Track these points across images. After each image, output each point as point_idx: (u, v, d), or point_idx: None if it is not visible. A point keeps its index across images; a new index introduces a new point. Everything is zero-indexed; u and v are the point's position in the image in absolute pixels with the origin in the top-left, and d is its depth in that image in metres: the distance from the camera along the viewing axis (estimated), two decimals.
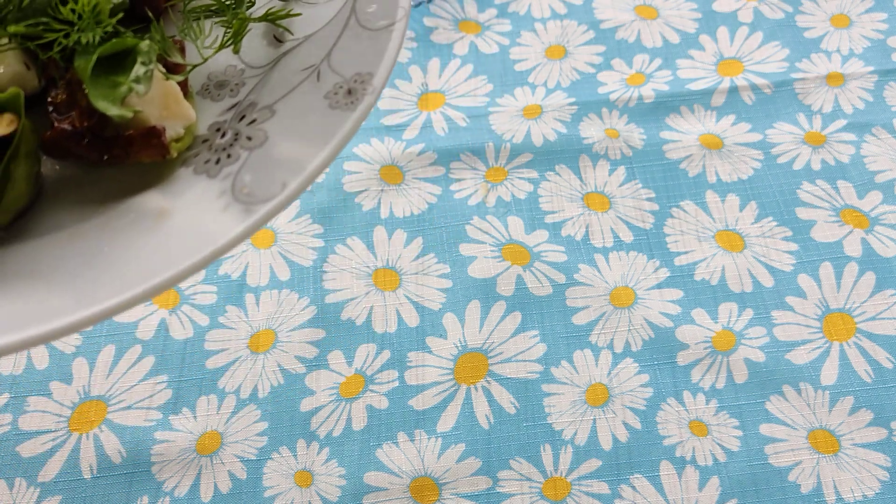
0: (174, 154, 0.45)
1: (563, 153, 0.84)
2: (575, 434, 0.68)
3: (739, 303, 0.73)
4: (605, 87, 0.88)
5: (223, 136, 0.46)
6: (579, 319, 0.74)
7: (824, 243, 0.76)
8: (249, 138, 0.45)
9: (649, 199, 0.80)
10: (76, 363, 0.73)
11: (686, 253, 0.77)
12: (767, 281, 0.74)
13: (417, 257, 0.78)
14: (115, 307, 0.39)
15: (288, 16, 0.50)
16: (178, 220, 0.42)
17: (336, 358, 0.73)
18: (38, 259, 0.43)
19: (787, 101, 0.85)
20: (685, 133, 0.84)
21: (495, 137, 0.85)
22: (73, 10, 0.44)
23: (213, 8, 0.51)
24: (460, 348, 0.73)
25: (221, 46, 0.48)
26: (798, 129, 0.84)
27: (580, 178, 0.82)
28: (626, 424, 0.68)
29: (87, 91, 0.42)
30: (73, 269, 0.42)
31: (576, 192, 0.81)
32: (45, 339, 0.39)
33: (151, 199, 0.44)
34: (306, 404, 0.71)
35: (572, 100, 0.88)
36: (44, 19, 0.45)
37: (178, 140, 0.45)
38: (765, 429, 0.67)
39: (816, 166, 0.81)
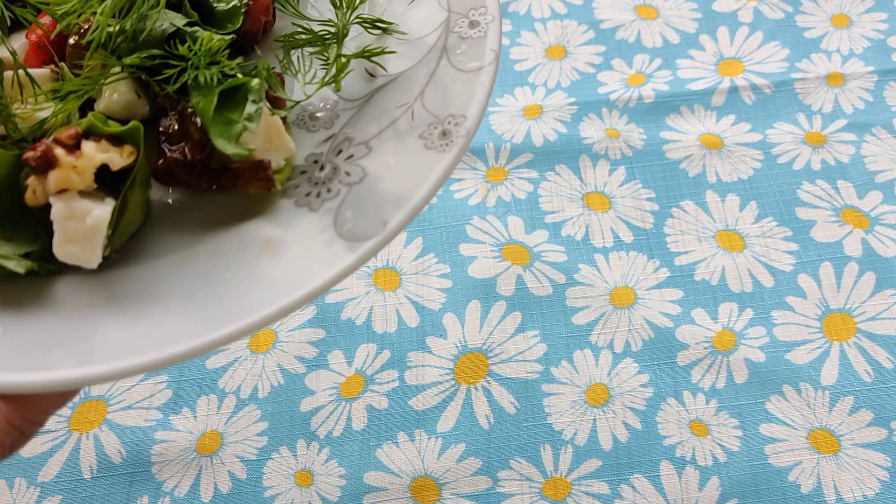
0: (279, 187, 0.46)
1: (563, 153, 0.84)
2: (575, 434, 0.68)
3: (739, 303, 0.73)
4: (605, 87, 0.88)
5: (321, 169, 0.47)
6: (579, 319, 0.74)
7: (824, 243, 0.76)
8: (348, 174, 0.46)
9: (649, 199, 0.80)
10: None
11: (686, 253, 0.77)
12: (767, 281, 0.74)
13: (417, 257, 0.78)
14: (230, 335, 0.40)
15: (383, 53, 0.50)
16: (285, 252, 0.43)
17: (336, 358, 0.73)
18: (151, 282, 0.44)
19: (787, 101, 0.85)
20: (685, 133, 0.84)
21: (495, 137, 0.85)
22: (189, 49, 0.45)
23: (310, 41, 0.52)
24: (460, 348, 0.73)
25: (323, 84, 0.49)
26: (798, 128, 0.84)
27: (580, 178, 0.82)
28: (626, 424, 0.68)
29: (208, 131, 0.43)
30: (187, 295, 0.43)
31: (576, 192, 0.81)
32: (164, 365, 0.40)
33: (258, 229, 0.45)
34: (306, 404, 0.71)
35: (572, 100, 0.88)
36: (157, 52, 0.47)
37: (278, 171, 0.47)
38: (765, 429, 0.67)
39: (816, 166, 0.81)
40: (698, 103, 0.86)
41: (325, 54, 0.51)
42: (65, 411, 0.71)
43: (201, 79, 0.44)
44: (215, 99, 0.43)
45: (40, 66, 0.50)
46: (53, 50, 0.51)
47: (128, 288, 0.44)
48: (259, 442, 0.70)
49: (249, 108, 0.44)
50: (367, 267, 0.78)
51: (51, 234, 0.44)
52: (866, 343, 0.71)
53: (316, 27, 0.53)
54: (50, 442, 0.70)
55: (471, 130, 0.46)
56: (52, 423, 0.71)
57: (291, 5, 0.54)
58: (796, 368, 0.70)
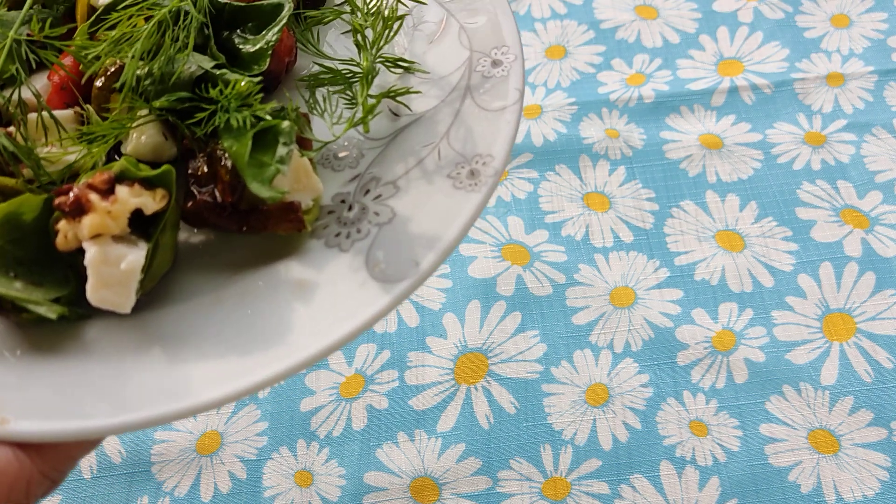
0: (309, 228, 0.46)
1: (563, 153, 0.84)
2: (575, 434, 0.68)
3: (739, 303, 0.73)
4: (605, 87, 0.88)
5: (350, 209, 0.47)
6: (579, 319, 0.74)
7: (824, 243, 0.76)
8: (377, 214, 0.46)
9: (649, 199, 0.80)
10: None
11: (686, 253, 0.77)
12: (767, 281, 0.74)
13: None
14: (266, 380, 0.40)
15: (408, 92, 0.50)
16: (318, 294, 0.43)
17: (336, 357, 0.73)
18: (183, 326, 0.44)
19: (787, 100, 0.85)
20: (685, 133, 0.84)
21: None
22: (220, 92, 0.45)
23: (335, 81, 0.51)
24: (460, 348, 0.73)
25: (351, 125, 0.49)
26: (798, 128, 0.84)
27: (580, 178, 0.82)
28: (626, 424, 0.68)
29: (243, 175, 0.43)
30: (220, 339, 0.43)
31: (576, 192, 0.81)
32: (200, 410, 0.40)
33: (288, 270, 0.45)
34: (306, 404, 0.71)
35: (572, 100, 0.88)
36: (185, 95, 0.47)
37: (307, 212, 0.46)
38: (765, 429, 0.67)
39: (816, 166, 0.81)
40: (698, 103, 0.86)
41: (349, 92, 0.51)
42: None
43: (233, 122, 0.44)
44: (249, 143, 0.43)
45: (63, 108, 0.50)
46: (76, 90, 0.50)
47: (160, 331, 0.44)
48: (259, 442, 0.70)
49: (281, 150, 0.44)
50: None
51: (80, 277, 0.44)
52: (866, 343, 0.71)
53: (337, 66, 0.52)
54: None
55: (499, 170, 0.46)
56: None
57: (312, 44, 0.54)
58: (796, 368, 0.70)
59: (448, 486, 0.67)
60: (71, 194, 0.42)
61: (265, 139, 0.44)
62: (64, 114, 0.49)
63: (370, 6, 0.53)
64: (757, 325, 0.72)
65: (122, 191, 0.42)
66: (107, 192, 0.42)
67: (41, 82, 0.50)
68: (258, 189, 0.42)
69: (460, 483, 0.67)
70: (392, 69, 0.52)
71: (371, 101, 0.49)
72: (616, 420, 0.69)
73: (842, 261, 0.75)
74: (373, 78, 0.50)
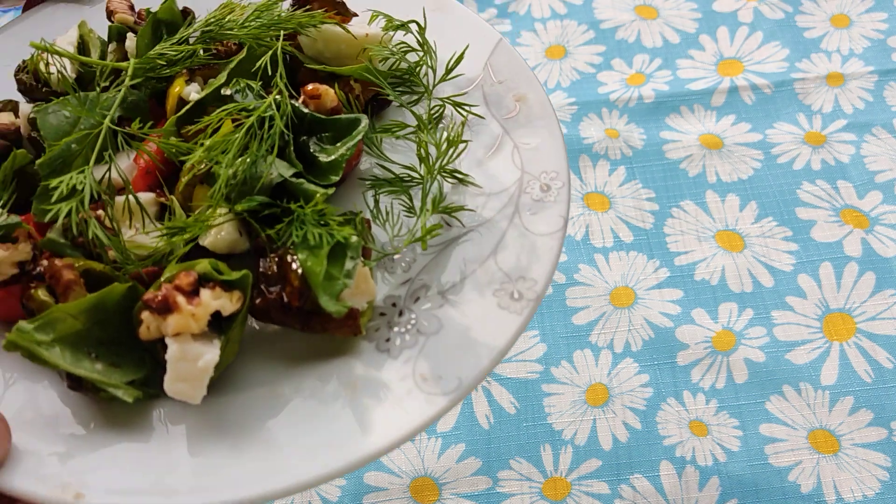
0: (363, 333, 0.49)
1: None
2: (575, 434, 0.68)
3: (739, 303, 0.73)
4: (605, 87, 0.88)
5: (400, 314, 0.50)
6: (579, 319, 0.74)
7: (824, 243, 0.76)
8: (425, 323, 0.49)
9: (649, 199, 0.80)
10: None
11: (686, 253, 0.77)
12: (767, 281, 0.74)
13: None
14: (320, 477, 0.44)
15: (461, 209, 0.53)
16: (368, 399, 0.46)
17: None
18: (245, 415, 0.47)
19: (787, 100, 0.85)
20: (685, 133, 0.84)
21: None
22: (301, 206, 0.48)
23: (396, 189, 0.54)
24: None
25: (411, 241, 0.52)
26: (798, 128, 0.84)
27: (580, 178, 0.82)
28: (626, 424, 0.68)
29: (315, 292, 0.45)
30: (279, 431, 0.46)
31: (576, 192, 0.81)
32: (256, 500, 0.43)
33: (341, 370, 0.48)
34: None
35: (572, 99, 0.88)
36: (265, 200, 0.50)
37: (362, 313, 0.49)
38: (765, 429, 0.67)
39: (816, 166, 0.81)
40: (698, 103, 0.86)
41: (407, 199, 0.54)
42: None
43: (310, 238, 0.47)
44: (325, 262, 0.46)
45: (147, 190, 0.54)
46: (160, 175, 0.54)
47: (224, 418, 0.47)
48: None
49: (348, 264, 0.47)
50: None
51: (155, 360, 0.48)
52: (866, 343, 0.71)
53: (397, 169, 0.55)
54: None
55: (540, 295, 0.49)
56: None
57: (376, 146, 0.57)
58: (796, 368, 0.70)
59: (448, 486, 0.67)
60: (160, 294, 0.45)
61: (334, 251, 0.47)
62: (147, 197, 0.52)
63: (434, 122, 0.56)
64: (757, 325, 0.72)
65: (205, 294, 0.46)
66: (191, 293, 0.45)
67: (125, 162, 0.53)
68: (326, 303, 0.45)
69: (460, 483, 0.67)
70: (448, 179, 0.55)
71: (430, 220, 0.53)
72: (616, 420, 0.69)
73: (842, 261, 0.75)
74: (435, 201, 0.53)
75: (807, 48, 0.89)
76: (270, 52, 0.54)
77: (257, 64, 0.54)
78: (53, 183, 0.49)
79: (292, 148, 0.52)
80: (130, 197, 0.50)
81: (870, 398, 0.68)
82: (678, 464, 0.66)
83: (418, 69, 0.59)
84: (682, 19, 0.93)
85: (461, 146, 0.55)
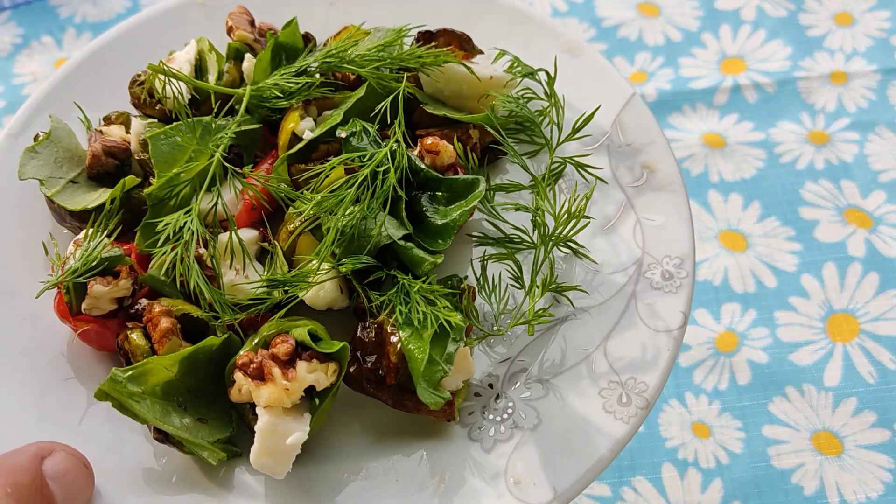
0: (457, 419, 0.46)
1: None
2: None
3: (742, 303, 0.73)
4: None
5: (496, 398, 0.47)
6: None
7: (827, 243, 0.76)
8: (523, 416, 0.46)
9: None
10: None
11: None
12: (770, 281, 0.74)
13: None
14: None
15: (574, 289, 0.49)
16: (455, 498, 0.44)
17: None
18: (332, 488, 0.45)
19: (790, 99, 0.85)
20: (687, 132, 0.84)
21: None
22: (408, 281, 0.46)
23: (505, 256, 0.51)
24: None
25: (516, 324, 0.48)
26: (801, 127, 0.83)
27: None
28: None
29: (414, 379, 0.43)
30: None
31: None
32: None
33: (429, 456, 0.45)
34: None
35: None
36: (372, 263, 0.48)
37: (457, 392, 0.46)
38: (767, 430, 0.67)
39: (820, 165, 0.80)
40: (701, 102, 0.86)
41: (515, 262, 0.50)
42: None
43: (414, 318, 0.44)
44: (428, 350, 0.43)
45: (249, 226, 0.52)
46: (263, 213, 0.53)
47: (308, 489, 0.45)
48: None
49: (451, 346, 0.44)
50: None
51: (241, 419, 0.46)
52: (870, 344, 0.70)
53: (508, 228, 0.52)
54: None
55: (650, 402, 0.45)
56: None
57: (489, 202, 0.53)
58: (799, 369, 0.69)
59: None
60: (255, 361, 0.44)
61: (437, 331, 0.44)
62: (250, 236, 0.51)
63: (553, 181, 0.52)
64: (760, 325, 0.72)
65: (301, 367, 0.44)
66: (287, 363, 0.44)
67: (229, 194, 0.51)
68: (423, 394, 0.43)
69: None
70: (562, 248, 0.51)
71: (539, 302, 0.48)
72: None
73: (845, 261, 0.74)
74: (545, 282, 0.48)
75: (810, 46, 0.89)
76: (391, 97, 0.51)
77: (376, 108, 0.51)
78: (159, 227, 0.47)
79: (404, 204, 0.48)
80: (234, 237, 0.48)
81: (873, 400, 0.68)
82: (680, 466, 0.66)
83: (541, 118, 0.54)
84: (685, 17, 0.93)
85: (583, 221, 0.49)
